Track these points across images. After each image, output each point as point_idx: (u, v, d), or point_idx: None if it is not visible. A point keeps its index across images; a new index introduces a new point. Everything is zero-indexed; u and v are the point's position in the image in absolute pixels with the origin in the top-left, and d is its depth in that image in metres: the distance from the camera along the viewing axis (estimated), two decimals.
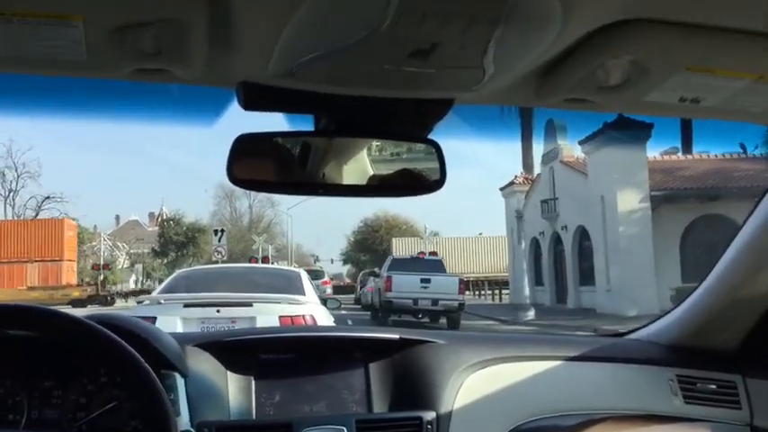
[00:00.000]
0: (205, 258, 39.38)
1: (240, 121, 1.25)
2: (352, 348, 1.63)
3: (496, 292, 30.47)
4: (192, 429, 1.37)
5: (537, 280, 24.94)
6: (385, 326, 9.90)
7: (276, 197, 38.61)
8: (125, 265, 51.08)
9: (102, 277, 35.23)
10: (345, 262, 56.41)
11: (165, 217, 50.69)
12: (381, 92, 1.03)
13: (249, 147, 1.12)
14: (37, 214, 41.72)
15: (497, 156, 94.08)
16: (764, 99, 1.06)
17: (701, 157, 19.79)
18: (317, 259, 52.03)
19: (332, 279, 38.14)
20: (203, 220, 48.74)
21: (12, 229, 35.82)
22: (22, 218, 40.69)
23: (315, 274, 21.98)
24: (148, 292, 15.88)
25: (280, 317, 4.95)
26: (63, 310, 1.28)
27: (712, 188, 18.68)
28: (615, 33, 0.87)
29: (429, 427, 1.47)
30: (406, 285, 16.62)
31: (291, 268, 8.40)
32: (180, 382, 1.42)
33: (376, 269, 23.88)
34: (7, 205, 42.75)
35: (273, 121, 1.13)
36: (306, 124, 1.14)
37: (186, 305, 5.16)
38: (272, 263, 26.83)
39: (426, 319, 17.08)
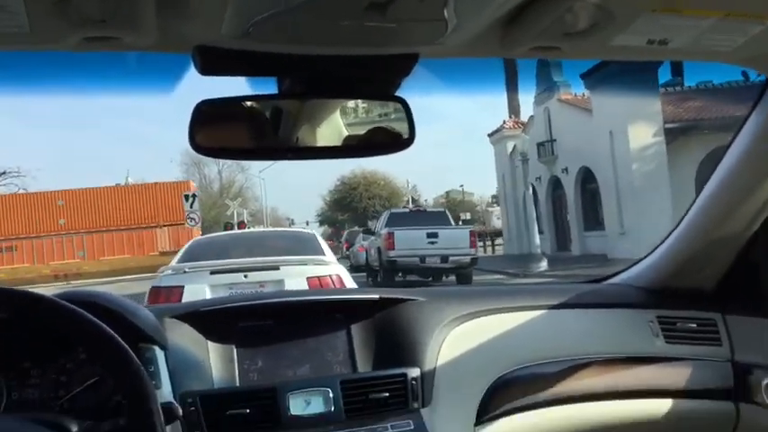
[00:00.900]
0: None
1: (202, 86, 1.22)
2: (333, 311, 1.63)
3: (488, 243, 29.39)
4: (173, 401, 1.33)
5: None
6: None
7: (245, 162, 36.86)
8: None
9: None
10: (322, 223, 55.47)
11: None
12: (342, 50, 1.02)
13: (211, 113, 1.10)
14: None
15: (476, 107, 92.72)
16: (732, 37, 1.08)
17: (705, 87, 18.45)
18: (292, 222, 50.66)
19: None
20: None
21: (136, 194, 33.43)
22: None
23: None
24: None
25: (307, 278, 4.89)
26: (33, 290, 1.19)
27: (731, 117, 17.33)
28: None
29: (414, 383, 1.49)
30: (410, 242, 14.74)
31: (304, 230, 8.42)
32: (159, 354, 1.41)
33: (358, 227, 22.18)
34: None
35: (238, 87, 1.13)
36: (269, 87, 1.13)
37: (213, 272, 5.02)
38: (248, 228, 25.14)
39: (430, 279, 15.53)
